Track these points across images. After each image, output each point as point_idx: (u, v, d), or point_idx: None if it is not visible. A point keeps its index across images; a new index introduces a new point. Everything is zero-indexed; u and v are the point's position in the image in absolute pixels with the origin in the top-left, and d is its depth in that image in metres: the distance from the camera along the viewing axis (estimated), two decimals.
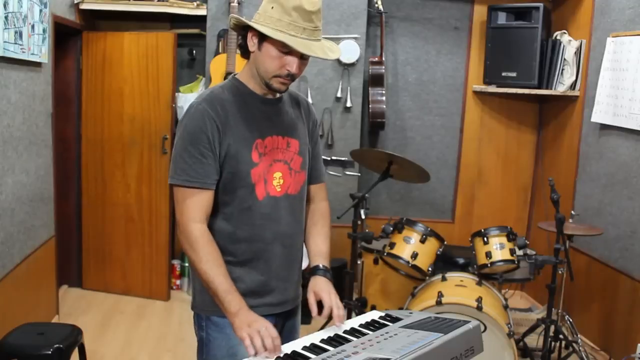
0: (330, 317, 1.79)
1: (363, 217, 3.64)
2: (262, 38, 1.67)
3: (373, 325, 1.71)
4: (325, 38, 1.74)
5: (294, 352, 1.53)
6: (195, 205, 1.69)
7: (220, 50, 4.30)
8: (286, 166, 1.82)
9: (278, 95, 1.82)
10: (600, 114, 3.84)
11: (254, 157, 1.74)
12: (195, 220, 1.69)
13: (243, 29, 1.75)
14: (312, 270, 1.88)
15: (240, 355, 1.74)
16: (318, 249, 1.93)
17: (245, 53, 1.77)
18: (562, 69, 4.25)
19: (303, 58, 1.69)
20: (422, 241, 3.39)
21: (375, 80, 4.39)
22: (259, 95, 1.78)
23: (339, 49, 1.76)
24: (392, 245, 3.46)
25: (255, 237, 1.78)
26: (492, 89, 4.57)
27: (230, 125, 1.71)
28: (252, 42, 1.71)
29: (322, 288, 1.81)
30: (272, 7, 1.64)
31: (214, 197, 1.73)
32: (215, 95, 1.74)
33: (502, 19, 4.43)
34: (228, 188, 1.74)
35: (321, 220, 1.98)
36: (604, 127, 3.85)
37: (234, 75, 1.83)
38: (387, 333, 1.60)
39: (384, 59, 4.42)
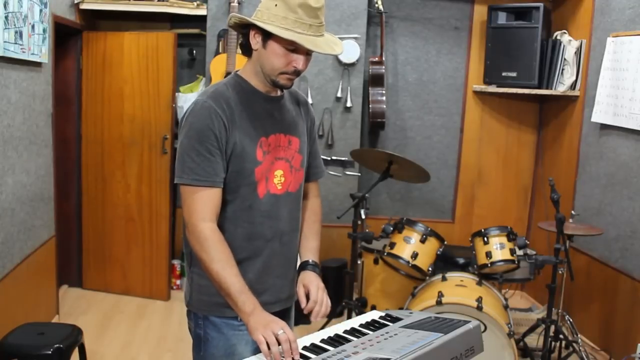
0: (329, 318, 1.79)
1: (363, 217, 3.64)
2: (267, 36, 1.66)
3: (373, 325, 1.71)
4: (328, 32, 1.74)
5: None
6: (205, 205, 1.67)
7: (220, 50, 4.30)
8: (287, 164, 1.82)
9: (280, 92, 1.82)
10: (600, 114, 3.84)
11: (259, 155, 1.74)
12: (205, 220, 1.67)
13: (244, 28, 1.74)
14: (302, 265, 1.90)
15: (237, 355, 1.74)
16: (309, 245, 1.95)
17: (247, 51, 1.76)
18: (562, 69, 4.25)
19: (308, 54, 1.69)
20: (422, 241, 3.39)
21: (375, 80, 4.39)
22: (262, 93, 1.78)
23: (341, 42, 1.76)
24: (392, 245, 3.46)
25: (255, 235, 1.77)
26: (492, 89, 4.57)
27: (236, 123, 1.70)
28: (255, 40, 1.70)
29: (311, 281, 1.82)
30: (276, 5, 1.63)
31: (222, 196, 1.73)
32: (220, 92, 1.73)
33: (502, 18, 4.43)
34: (232, 187, 1.72)
35: (312, 217, 2.00)
36: (604, 127, 3.85)
37: (236, 72, 1.82)
38: (387, 333, 1.60)
39: (384, 58, 4.42)
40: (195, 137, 1.67)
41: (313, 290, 1.79)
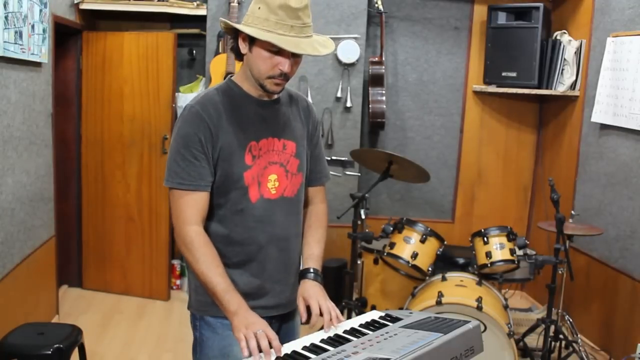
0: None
1: (363, 217, 3.64)
2: (252, 40, 1.66)
3: (373, 325, 1.71)
4: (318, 34, 1.72)
5: (294, 352, 1.53)
6: (190, 208, 1.69)
7: (220, 50, 4.30)
8: (282, 168, 1.81)
9: (275, 96, 1.81)
10: (600, 114, 3.84)
11: (247, 159, 1.74)
12: (190, 223, 1.68)
13: (234, 32, 1.73)
14: (302, 274, 1.86)
15: (233, 356, 1.74)
16: (310, 251, 1.90)
17: (239, 55, 1.76)
18: (562, 69, 4.25)
19: (295, 56, 1.68)
20: (422, 241, 3.39)
21: (375, 80, 4.39)
22: (254, 98, 1.78)
23: (332, 42, 1.74)
24: (392, 245, 3.46)
25: (249, 240, 1.77)
26: (492, 89, 4.57)
27: (223, 128, 1.71)
28: (243, 45, 1.70)
29: (310, 295, 1.76)
30: (259, 8, 1.63)
31: (209, 199, 1.73)
32: (209, 97, 1.74)
33: (502, 19, 4.43)
34: (221, 190, 1.73)
35: (316, 223, 1.96)
36: (604, 127, 3.85)
37: (230, 77, 1.82)
38: (387, 333, 1.60)
39: (384, 59, 4.42)
40: (181, 141, 1.69)
41: (314, 305, 1.72)
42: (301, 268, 1.89)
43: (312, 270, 1.85)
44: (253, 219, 1.76)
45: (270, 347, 1.52)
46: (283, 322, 1.91)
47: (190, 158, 1.68)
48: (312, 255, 1.89)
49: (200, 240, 1.68)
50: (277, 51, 1.64)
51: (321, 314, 1.72)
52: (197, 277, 1.69)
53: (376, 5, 4.32)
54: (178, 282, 4.62)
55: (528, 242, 3.45)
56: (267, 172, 1.77)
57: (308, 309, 1.74)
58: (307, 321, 1.74)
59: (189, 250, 1.68)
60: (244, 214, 1.75)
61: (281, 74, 1.67)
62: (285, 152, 1.82)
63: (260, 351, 1.51)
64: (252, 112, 1.77)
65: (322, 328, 1.69)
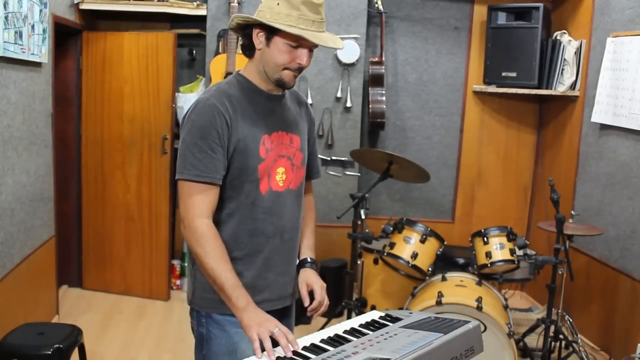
0: (329, 318, 1.80)
1: (363, 217, 3.64)
2: (271, 34, 1.69)
3: (373, 325, 1.72)
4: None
5: (294, 352, 1.53)
6: (203, 201, 1.70)
7: (220, 50, 4.30)
8: (289, 162, 1.85)
9: (281, 91, 1.85)
10: (600, 114, 3.84)
11: (262, 152, 1.77)
12: (202, 216, 1.69)
13: (245, 28, 1.76)
14: (301, 263, 1.95)
15: (239, 352, 1.75)
16: (307, 241, 2.01)
17: (249, 51, 1.79)
18: (562, 69, 4.25)
19: (310, 50, 1.73)
20: (422, 241, 3.39)
21: (375, 80, 4.39)
22: (264, 91, 1.81)
23: (339, 39, 1.81)
24: (392, 245, 3.46)
25: (257, 232, 1.80)
26: (492, 89, 4.57)
27: (238, 121, 1.73)
28: (258, 40, 1.73)
29: (314, 281, 1.89)
30: (278, 4, 1.66)
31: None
32: (223, 90, 1.76)
33: (502, 19, 4.43)
34: (235, 183, 1.75)
35: (309, 213, 2.05)
36: (604, 127, 3.85)
37: (238, 72, 1.85)
38: (387, 333, 1.60)
39: (384, 59, 4.42)
40: (198, 134, 1.70)
41: (318, 290, 1.87)
42: (300, 257, 1.97)
43: (309, 260, 1.96)
44: (262, 211, 1.79)
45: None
46: (282, 317, 1.92)
47: (207, 150, 1.69)
48: (309, 245, 2.01)
49: (211, 233, 1.70)
50: (297, 45, 1.69)
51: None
52: (204, 271, 1.70)
53: (376, 5, 4.32)
54: (178, 282, 4.62)
55: (528, 242, 3.45)
56: (277, 165, 1.81)
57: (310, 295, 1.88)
58: (309, 306, 1.86)
59: (200, 244, 1.68)
60: (254, 206, 1.78)
61: (298, 67, 1.72)
62: (292, 146, 1.86)
63: (263, 350, 1.54)
64: (263, 106, 1.80)
65: (326, 324, 1.73)
